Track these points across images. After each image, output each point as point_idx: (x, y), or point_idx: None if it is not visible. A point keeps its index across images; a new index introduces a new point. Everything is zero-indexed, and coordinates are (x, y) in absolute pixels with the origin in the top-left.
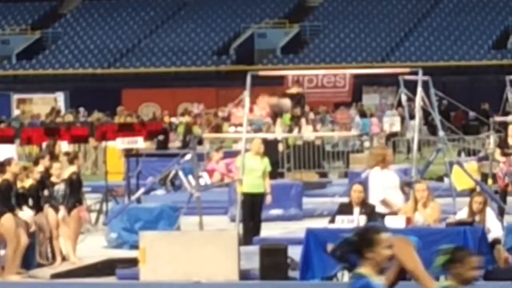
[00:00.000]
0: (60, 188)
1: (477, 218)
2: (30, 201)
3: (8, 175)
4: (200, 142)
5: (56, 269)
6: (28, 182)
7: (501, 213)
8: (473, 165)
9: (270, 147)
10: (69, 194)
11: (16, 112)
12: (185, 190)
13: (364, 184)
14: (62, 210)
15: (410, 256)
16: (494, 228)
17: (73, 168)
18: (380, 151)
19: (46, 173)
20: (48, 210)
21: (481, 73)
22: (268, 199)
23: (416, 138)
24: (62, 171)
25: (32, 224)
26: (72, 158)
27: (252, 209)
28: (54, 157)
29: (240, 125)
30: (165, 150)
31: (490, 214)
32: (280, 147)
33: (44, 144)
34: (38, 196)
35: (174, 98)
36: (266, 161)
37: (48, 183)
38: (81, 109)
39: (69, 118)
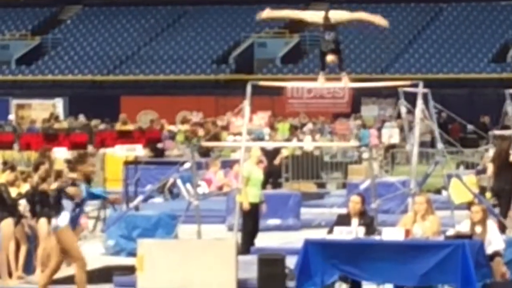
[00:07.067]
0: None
1: (478, 230)
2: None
3: (2, 179)
4: (207, 153)
5: None
6: (24, 188)
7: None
8: (472, 178)
9: (269, 157)
10: None
11: (10, 117)
12: (183, 198)
13: (363, 194)
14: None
15: None
16: (495, 241)
17: (73, 176)
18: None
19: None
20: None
21: (480, 86)
22: (264, 208)
23: (416, 150)
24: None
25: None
26: (73, 166)
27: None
28: (51, 164)
29: (239, 134)
30: (162, 158)
31: (492, 226)
32: (285, 152)
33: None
34: (34, 202)
35: (173, 106)
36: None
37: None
38: (81, 116)
39: (66, 124)
